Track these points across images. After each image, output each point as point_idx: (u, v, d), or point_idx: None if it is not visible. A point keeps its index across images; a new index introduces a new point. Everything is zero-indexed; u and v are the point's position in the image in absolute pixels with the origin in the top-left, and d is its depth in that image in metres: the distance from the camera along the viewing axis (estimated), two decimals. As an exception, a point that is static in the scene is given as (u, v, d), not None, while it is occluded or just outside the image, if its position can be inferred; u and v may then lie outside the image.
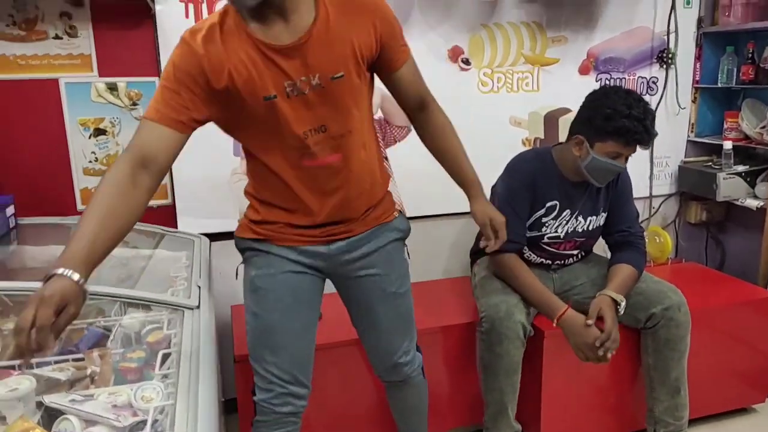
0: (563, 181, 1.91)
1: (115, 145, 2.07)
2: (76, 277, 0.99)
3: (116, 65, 2.01)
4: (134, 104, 2.06)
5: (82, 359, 1.40)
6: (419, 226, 2.28)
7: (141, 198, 1.17)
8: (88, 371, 1.35)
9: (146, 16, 1.98)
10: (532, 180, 1.90)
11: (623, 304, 1.83)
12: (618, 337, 1.78)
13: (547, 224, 1.95)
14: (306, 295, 1.45)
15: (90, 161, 2.06)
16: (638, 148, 1.79)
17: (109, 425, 1.12)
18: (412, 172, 2.08)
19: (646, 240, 2.59)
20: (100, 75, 2.01)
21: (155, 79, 2.04)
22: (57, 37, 1.95)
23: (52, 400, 1.19)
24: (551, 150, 1.95)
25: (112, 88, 2.03)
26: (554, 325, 1.85)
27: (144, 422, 1.09)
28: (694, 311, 1.94)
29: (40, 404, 1.20)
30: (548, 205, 1.93)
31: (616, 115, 1.72)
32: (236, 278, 1.51)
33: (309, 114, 1.26)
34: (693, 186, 2.70)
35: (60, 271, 0.99)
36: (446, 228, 2.52)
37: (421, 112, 1.47)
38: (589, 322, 1.78)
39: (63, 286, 0.97)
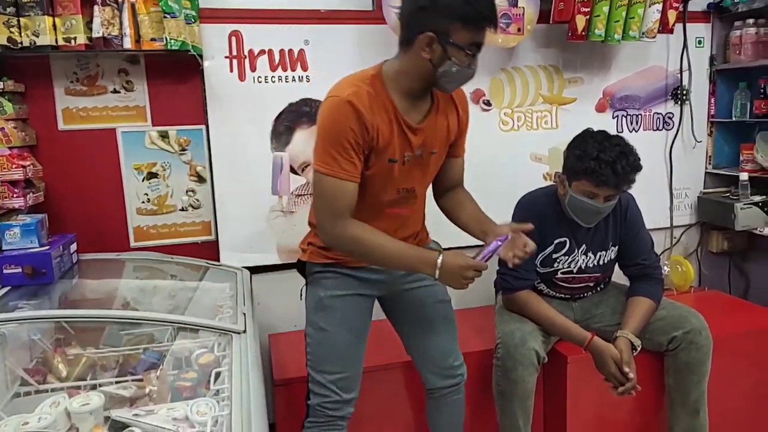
0: (569, 218, 1.98)
1: (165, 187, 2.26)
2: None
3: (167, 115, 2.22)
4: (183, 150, 2.25)
5: (141, 380, 1.55)
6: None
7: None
8: (147, 390, 1.49)
9: (195, 71, 2.18)
10: (539, 218, 1.95)
11: (639, 348, 1.91)
12: (635, 379, 1.85)
13: (558, 260, 2.04)
14: (365, 316, 1.68)
15: (143, 202, 2.25)
16: (614, 190, 1.84)
17: (170, 435, 1.25)
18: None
19: (669, 269, 2.67)
20: (153, 124, 2.22)
21: (202, 126, 2.24)
22: (115, 91, 2.17)
23: (118, 414, 1.34)
24: (556, 190, 2.03)
25: (164, 135, 2.23)
26: (584, 350, 1.92)
27: (202, 432, 1.22)
28: (717, 337, 1.99)
29: (107, 418, 1.34)
30: (557, 242, 2.01)
31: (586, 157, 1.82)
32: (300, 299, 1.72)
33: (408, 177, 1.55)
34: (713, 216, 2.77)
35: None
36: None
37: (450, 191, 1.73)
38: (631, 375, 1.84)
39: None
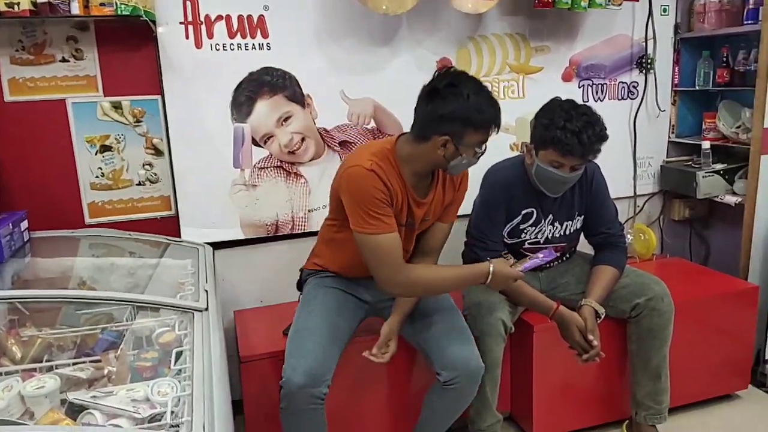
0: (536, 188, 1.98)
1: (120, 161, 2.17)
2: None
3: (120, 85, 2.12)
4: (138, 121, 2.16)
5: (99, 361, 1.49)
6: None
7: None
8: (105, 371, 1.44)
9: (148, 38, 2.08)
10: (507, 189, 1.99)
11: (603, 316, 1.94)
12: (599, 347, 1.89)
13: (525, 231, 2.05)
14: (346, 311, 1.83)
15: (97, 176, 2.16)
16: (580, 159, 1.84)
17: (130, 417, 1.20)
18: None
19: (632, 238, 2.71)
20: (105, 95, 2.11)
21: (157, 97, 2.15)
22: (64, 60, 2.06)
23: (75, 396, 1.28)
24: (523, 161, 2.02)
25: (117, 106, 2.13)
26: (550, 320, 1.93)
27: (162, 414, 1.18)
28: (678, 303, 2.03)
29: (63, 401, 1.29)
30: (524, 212, 2.02)
31: (552, 126, 1.82)
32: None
33: (404, 238, 1.77)
34: (675, 184, 2.81)
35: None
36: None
37: (423, 256, 1.89)
38: (595, 343, 1.87)
39: None
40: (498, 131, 1.68)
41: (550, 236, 2.07)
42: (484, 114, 1.60)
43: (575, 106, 1.85)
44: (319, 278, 1.93)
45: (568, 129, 1.79)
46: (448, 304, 1.93)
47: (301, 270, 2.02)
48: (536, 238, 2.06)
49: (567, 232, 2.08)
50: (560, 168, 1.86)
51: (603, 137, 1.84)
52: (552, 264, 2.15)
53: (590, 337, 1.87)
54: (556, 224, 2.06)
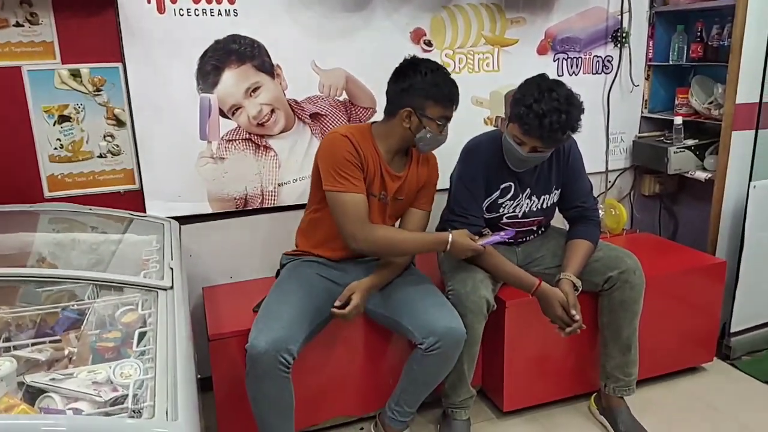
0: None
1: (80, 132, 2.07)
2: None
3: (79, 52, 2.01)
4: (98, 90, 2.06)
5: (59, 341, 1.43)
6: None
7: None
8: (66, 352, 1.39)
9: (108, 2, 1.97)
10: (485, 164, 1.97)
11: (580, 289, 1.95)
12: (581, 319, 1.89)
13: (503, 205, 2.04)
14: (322, 293, 1.87)
15: (55, 148, 2.06)
16: (539, 142, 1.81)
17: (91, 401, 1.16)
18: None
19: (603, 213, 2.72)
20: (63, 62, 2.00)
21: (118, 65, 2.05)
22: (18, 24, 1.93)
23: (33, 379, 1.23)
24: (502, 134, 1.99)
25: (76, 74, 2.03)
26: (531, 296, 1.93)
27: (124, 397, 1.14)
28: (648, 277, 2.05)
29: (21, 384, 1.23)
30: (503, 186, 2.01)
31: (521, 102, 1.79)
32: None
33: (378, 212, 1.91)
34: (646, 160, 2.82)
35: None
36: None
37: None
38: (577, 317, 1.88)
39: None
40: (456, 108, 1.85)
41: (527, 210, 2.06)
42: (441, 87, 1.78)
43: (552, 88, 1.78)
44: (297, 262, 1.99)
45: (533, 110, 1.75)
46: (420, 277, 1.99)
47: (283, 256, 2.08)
48: (514, 212, 2.05)
49: (544, 206, 2.08)
50: (521, 146, 1.85)
51: (569, 126, 1.79)
52: (527, 239, 2.16)
53: (573, 312, 1.87)
54: (534, 198, 2.05)
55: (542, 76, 1.86)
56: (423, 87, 1.77)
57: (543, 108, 1.74)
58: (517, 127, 1.82)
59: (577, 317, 1.88)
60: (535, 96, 1.76)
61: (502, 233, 1.90)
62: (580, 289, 1.95)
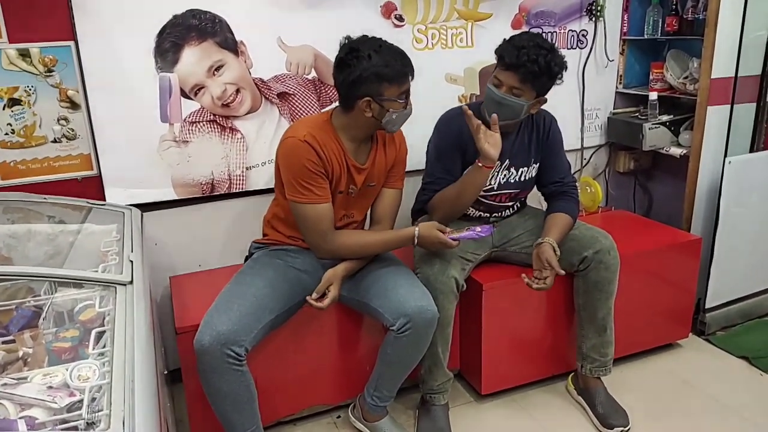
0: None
1: (32, 115, 1.95)
2: None
3: (27, 30, 1.87)
4: (50, 71, 1.93)
5: (13, 341, 1.35)
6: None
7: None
8: (20, 353, 1.30)
9: (56, -24, 1.85)
10: (459, 136, 1.94)
11: (558, 254, 1.90)
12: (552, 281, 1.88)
13: None
14: (284, 282, 1.80)
15: (6, 133, 1.94)
16: (513, 75, 1.81)
17: (46, 407, 1.09)
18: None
19: (579, 191, 2.68)
20: (11, 41, 1.87)
21: (70, 43, 1.92)
22: (-43, -1, 1.80)
23: (-18, 385, 1.15)
24: (480, 103, 1.97)
25: (25, 54, 1.90)
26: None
27: (81, 402, 1.07)
28: (623, 255, 2.03)
29: (-31, 391, 1.15)
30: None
31: (503, 41, 1.87)
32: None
33: (350, 205, 1.89)
34: (621, 136, 2.79)
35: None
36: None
37: (374, 224, 1.96)
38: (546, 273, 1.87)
39: None
40: (413, 77, 1.74)
41: (503, 182, 2.03)
42: (391, 66, 1.67)
43: (536, 36, 1.87)
44: (266, 251, 1.94)
45: (513, 43, 1.82)
46: (392, 259, 1.94)
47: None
48: (490, 184, 2.02)
49: (522, 179, 2.05)
50: (499, 88, 1.84)
51: (547, 66, 1.79)
52: (503, 214, 2.14)
53: (554, 263, 1.85)
54: (512, 170, 2.02)
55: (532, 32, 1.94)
56: (373, 72, 1.65)
57: (522, 42, 1.81)
58: (497, 67, 1.86)
59: (546, 274, 1.86)
60: (518, 37, 1.85)
61: (477, 229, 1.83)
62: (559, 254, 1.90)
